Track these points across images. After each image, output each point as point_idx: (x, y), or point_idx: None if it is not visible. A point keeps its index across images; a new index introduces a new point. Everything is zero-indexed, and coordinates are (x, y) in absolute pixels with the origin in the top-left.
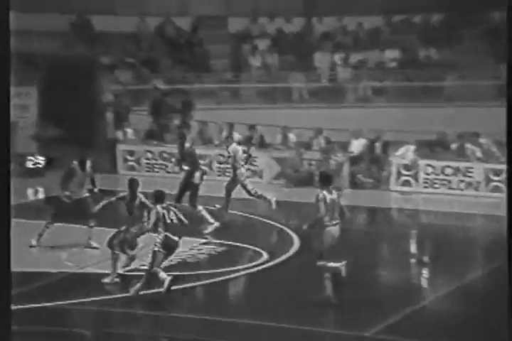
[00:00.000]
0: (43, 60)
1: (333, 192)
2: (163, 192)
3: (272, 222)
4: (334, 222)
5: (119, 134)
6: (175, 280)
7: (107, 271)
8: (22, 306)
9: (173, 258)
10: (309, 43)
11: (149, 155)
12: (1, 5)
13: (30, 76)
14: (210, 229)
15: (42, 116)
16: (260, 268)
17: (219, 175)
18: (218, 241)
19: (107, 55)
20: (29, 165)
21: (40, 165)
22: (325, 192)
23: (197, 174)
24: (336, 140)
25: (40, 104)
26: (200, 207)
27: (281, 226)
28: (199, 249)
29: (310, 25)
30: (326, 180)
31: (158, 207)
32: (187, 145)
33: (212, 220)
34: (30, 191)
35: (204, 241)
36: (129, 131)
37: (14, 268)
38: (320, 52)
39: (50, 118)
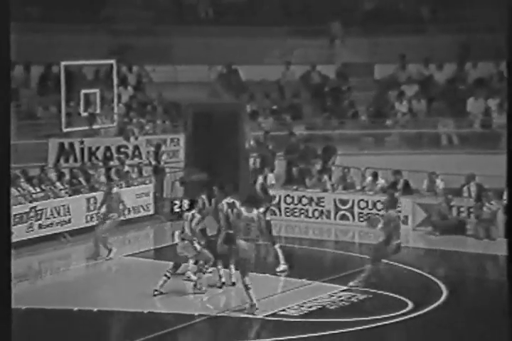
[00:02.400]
0: (189, 108)
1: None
2: None
3: (418, 271)
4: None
5: (260, 179)
6: None
7: (245, 315)
8: None
9: (313, 305)
10: (461, 89)
11: (289, 199)
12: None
13: (179, 124)
14: (281, 268)
15: (188, 161)
16: (404, 318)
17: (361, 221)
18: (361, 289)
19: (251, 103)
20: (175, 208)
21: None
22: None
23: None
24: (489, 186)
25: (187, 149)
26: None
27: (428, 275)
28: (339, 296)
29: (463, 71)
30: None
31: None
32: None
33: (283, 262)
34: (177, 233)
35: (345, 288)
36: (270, 175)
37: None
38: (473, 97)
39: (195, 164)
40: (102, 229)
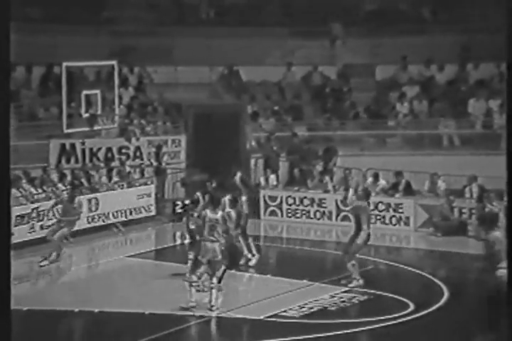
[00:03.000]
0: (190, 109)
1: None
2: None
3: (419, 271)
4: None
5: (262, 180)
6: None
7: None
8: None
9: (314, 306)
10: (463, 90)
11: (291, 200)
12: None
13: (180, 125)
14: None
15: (189, 162)
16: (406, 319)
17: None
18: (362, 290)
19: (252, 104)
20: (178, 209)
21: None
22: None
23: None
24: (491, 188)
25: (188, 150)
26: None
27: (430, 276)
28: (340, 297)
29: (464, 72)
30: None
31: None
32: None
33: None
34: (178, 234)
35: (346, 289)
36: (272, 176)
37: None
38: (474, 98)
39: (197, 164)
40: (60, 235)
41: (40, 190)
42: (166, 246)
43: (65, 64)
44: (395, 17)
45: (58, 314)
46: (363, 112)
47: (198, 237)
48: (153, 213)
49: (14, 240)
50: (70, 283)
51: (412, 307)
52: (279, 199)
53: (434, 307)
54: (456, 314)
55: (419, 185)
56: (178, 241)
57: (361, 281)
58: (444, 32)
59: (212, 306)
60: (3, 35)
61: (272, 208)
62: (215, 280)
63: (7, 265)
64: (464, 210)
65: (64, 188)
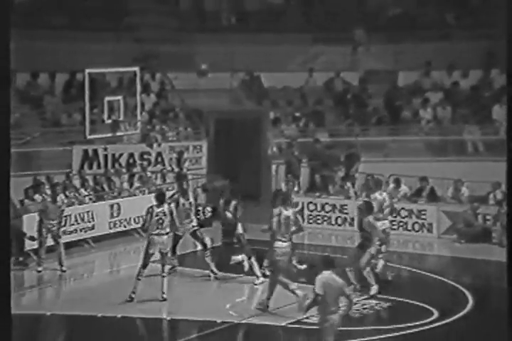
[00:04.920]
0: (212, 115)
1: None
2: None
3: (443, 279)
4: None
5: (283, 186)
6: None
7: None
8: None
9: None
10: (487, 96)
11: (312, 206)
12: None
13: (201, 131)
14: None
15: (210, 168)
16: (430, 326)
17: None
18: (384, 297)
19: (274, 110)
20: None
21: (207, 216)
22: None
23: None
24: None
25: (209, 156)
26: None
27: (454, 284)
28: (363, 304)
29: (488, 78)
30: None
31: None
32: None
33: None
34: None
35: (369, 295)
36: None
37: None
38: (499, 104)
39: (218, 170)
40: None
41: (62, 196)
42: (187, 251)
43: (87, 70)
44: (418, 22)
45: (81, 319)
46: (386, 118)
47: None
48: None
49: (36, 245)
50: (92, 289)
51: (436, 314)
52: (300, 205)
53: (458, 315)
54: (480, 322)
55: (443, 191)
56: (199, 247)
57: (376, 286)
58: (468, 37)
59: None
60: (3, 42)
61: None
62: (165, 269)
63: (7, 272)
64: (488, 217)
65: (86, 193)
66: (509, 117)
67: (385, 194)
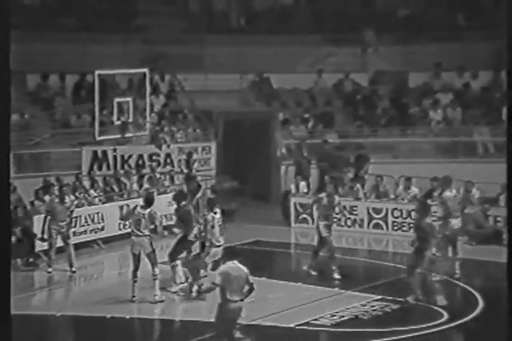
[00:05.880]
0: (221, 116)
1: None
2: None
3: (453, 281)
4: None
5: (293, 187)
6: None
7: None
8: None
9: (346, 314)
10: (497, 97)
11: None
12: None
13: (210, 132)
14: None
15: (220, 169)
16: (440, 328)
17: (395, 230)
18: (393, 298)
19: (283, 111)
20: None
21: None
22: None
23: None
24: None
25: (218, 157)
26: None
27: (464, 285)
28: (372, 306)
29: (499, 79)
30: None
31: None
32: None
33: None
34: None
35: (378, 297)
36: (302, 183)
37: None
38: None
39: (227, 172)
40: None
41: (72, 197)
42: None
43: (97, 72)
44: (428, 24)
45: (90, 320)
46: (395, 119)
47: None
48: None
49: (46, 246)
50: (102, 290)
51: (446, 316)
52: (309, 207)
53: (469, 317)
54: (491, 323)
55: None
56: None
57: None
58: (478, 38)
59: (155, 295)
60: (2, 43)
61: (302, 215)
62: (156, 270)
63: (7, 273)
64: (498, 218)
65: (96, 195)
66: (509, 120)
67: (455, 191)
